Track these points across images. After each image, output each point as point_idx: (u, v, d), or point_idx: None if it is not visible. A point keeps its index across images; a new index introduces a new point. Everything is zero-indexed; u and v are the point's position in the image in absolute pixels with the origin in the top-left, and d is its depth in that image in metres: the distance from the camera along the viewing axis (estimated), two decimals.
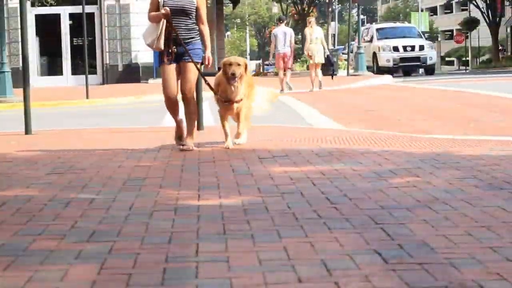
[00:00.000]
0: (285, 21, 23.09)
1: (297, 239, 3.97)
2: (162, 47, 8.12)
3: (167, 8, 8.05)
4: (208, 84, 8.27)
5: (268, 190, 5.49)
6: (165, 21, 8.08)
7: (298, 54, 47.98)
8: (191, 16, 8.23)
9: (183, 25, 8.17)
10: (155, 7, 8.22)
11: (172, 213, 4.78)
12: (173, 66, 8.18)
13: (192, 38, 8.23)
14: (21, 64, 11.79)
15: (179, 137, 8.40)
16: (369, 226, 4.24)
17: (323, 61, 22.33)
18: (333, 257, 3.60)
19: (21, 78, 11.15)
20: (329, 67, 24.66)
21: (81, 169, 6.92)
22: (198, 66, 8.26)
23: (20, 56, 12.11)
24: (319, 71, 22.38)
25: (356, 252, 3.69)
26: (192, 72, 8.21)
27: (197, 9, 8.25)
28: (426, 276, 3.26)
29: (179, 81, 8.26)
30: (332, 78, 23.66)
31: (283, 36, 21.45)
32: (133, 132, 10.76)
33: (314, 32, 21.89)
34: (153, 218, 4.62)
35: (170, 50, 8.11)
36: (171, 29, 8.07)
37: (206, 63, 8.26)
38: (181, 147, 8.12)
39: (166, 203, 5.12)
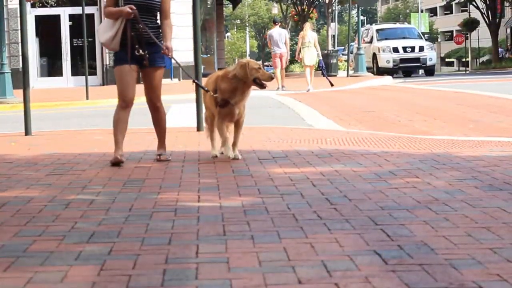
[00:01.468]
0: (279, 23, 23.73)
1: (297, 240, 3.97)
2: (118, 48, 7.27)
3: (134, 7, 7.12)
4: (198, 83, 7.79)
5: (268, 191, 5.49)
6: (124, 19, 7.19)
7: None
8: (155, 14, 7.39)
9: (148, 24, 7.26)
10: (112, 1, 7.29)
11: (172, 214, 4.78)
12: (134, 70, 7.39)
13: (157, 39, 7.31)
14: (21, 65, 11.77)
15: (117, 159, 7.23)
16: (369, 227, 4.24)
17: (314, 63, 22.72)
18: (333, 258, 3.60)
19: (21, 79, 11.15)
20: (323, 71, 24.76)
21: (81, 170, 6.92)
22: (163, 70, 7.52)
23: (20, 57, 12.09)
24: (312, 72, 22.71)
25: (356, 253, 3.69)
26: (160, 78, 7.51)
27: (162, 3, 7.35)
28: (426, 277, 3.26)
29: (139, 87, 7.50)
30: (332, 85, 23.59)
31: (279, 37, 22.19)
32: (133, 133, 10.73)
33: (307, 36, 22.38)
34: (153, 219, 4.62)
35: (137, 52, 7.21)
36: (140, 29, 7.19)
37: (169, 54, 7.23)
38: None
39: (166, 204, 5.12)
